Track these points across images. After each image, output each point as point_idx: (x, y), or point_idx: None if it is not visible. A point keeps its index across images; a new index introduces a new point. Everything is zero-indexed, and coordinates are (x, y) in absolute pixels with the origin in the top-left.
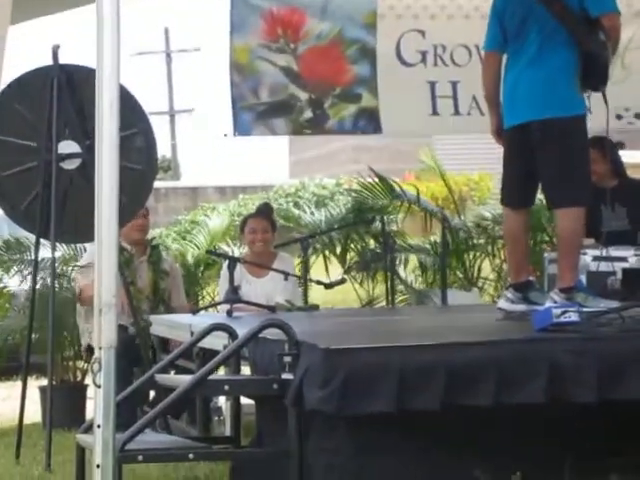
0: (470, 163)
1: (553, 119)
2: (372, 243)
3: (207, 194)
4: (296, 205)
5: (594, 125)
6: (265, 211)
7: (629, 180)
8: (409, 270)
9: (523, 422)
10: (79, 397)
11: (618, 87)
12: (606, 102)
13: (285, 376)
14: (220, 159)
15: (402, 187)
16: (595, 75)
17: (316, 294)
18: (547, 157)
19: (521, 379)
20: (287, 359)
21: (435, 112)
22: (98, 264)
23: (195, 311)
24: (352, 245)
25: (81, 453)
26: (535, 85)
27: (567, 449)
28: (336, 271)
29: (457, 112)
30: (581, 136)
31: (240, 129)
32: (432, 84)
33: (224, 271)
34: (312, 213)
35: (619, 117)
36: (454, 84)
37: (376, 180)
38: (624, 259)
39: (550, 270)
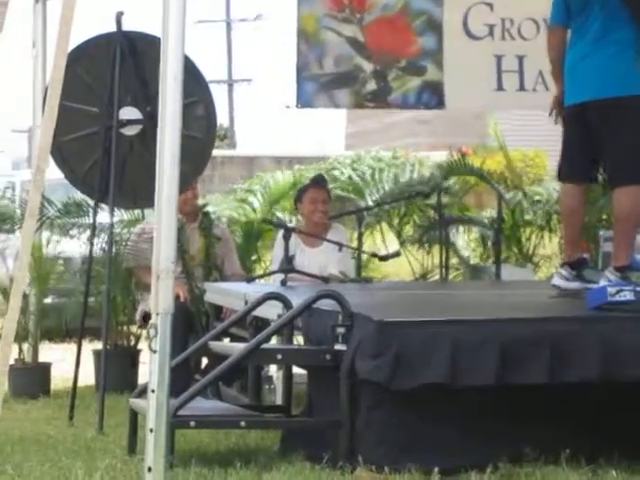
0: (525, 139)
1: (615, 98)
2: (430, 215)
3: (263, 164)
4: (356, 175)
5: None
6: (323, 182)
7: None
8: (465, 244)
9: (575, 400)
10: (132, 362)
11: None
12: None
13: (338, 347)
14: (276, 129)
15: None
16: None
17: (370, 266)
18: (607, 136)
19: (575, 357)
20: (340, 330)
21: (500, 87)
22: (157, 231)
23: (249, 279)
24: (409, 217)
25: (134, 417)
26: (597, 63)
27: (619, 431)
28: (392, 243)
29: (522, 87)
30: None
31: (302, 100)
32: (498, 58)
33: (279, 240)
34: (375, 183)
35: None
36: (521, 58)
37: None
38: None
39: (605, 248)
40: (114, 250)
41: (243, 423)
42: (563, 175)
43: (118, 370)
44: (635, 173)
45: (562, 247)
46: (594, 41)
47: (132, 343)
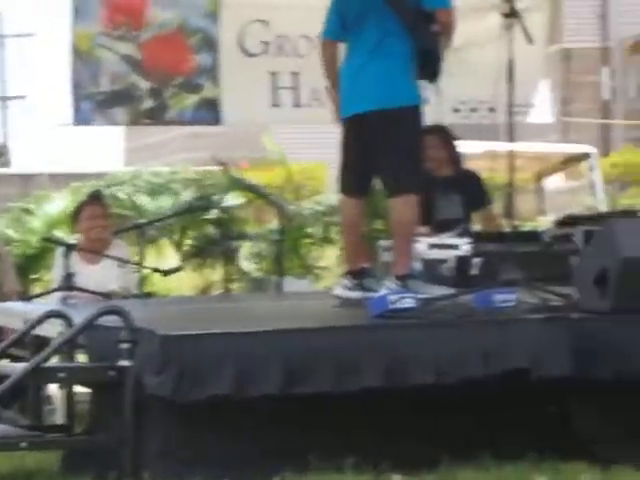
0: (304, 152)
1: (388, 109)
2: (210, 230)
3: (40, 181)
4: (134, 192)
5: (433, 116)
6: (100, 198)
7: (464, 170)
8: (246, 258)
9: (360, 408)
10: None
11: (456, 81)
12: (440, 94)
13: (122, 363)
14: (53, 146)
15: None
16: (428, 68)
17: (152, 281)
18: (382, 146)
19: (357, 366)
20: (124, 346)
21: (276, 103)
22: None
23: (27, 298)
24: (189, 232)
25: None
26: (374, 75)
27: (404, 436)
28: (174, 258)
29: (298, 104)
30: (415, 126)
31: (79, 118)
32: (274, 75)
33: (58, 258)
34: (151, 200)
35: (456, 110)
36: (295, 75)
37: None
38: (457, 247)
39: (385, 258)
40: None
41: (24, 444)
42: (343, 186)
43: None
44: (411, 182)
45: (342, 258)
46: (370, 51)
47: None
